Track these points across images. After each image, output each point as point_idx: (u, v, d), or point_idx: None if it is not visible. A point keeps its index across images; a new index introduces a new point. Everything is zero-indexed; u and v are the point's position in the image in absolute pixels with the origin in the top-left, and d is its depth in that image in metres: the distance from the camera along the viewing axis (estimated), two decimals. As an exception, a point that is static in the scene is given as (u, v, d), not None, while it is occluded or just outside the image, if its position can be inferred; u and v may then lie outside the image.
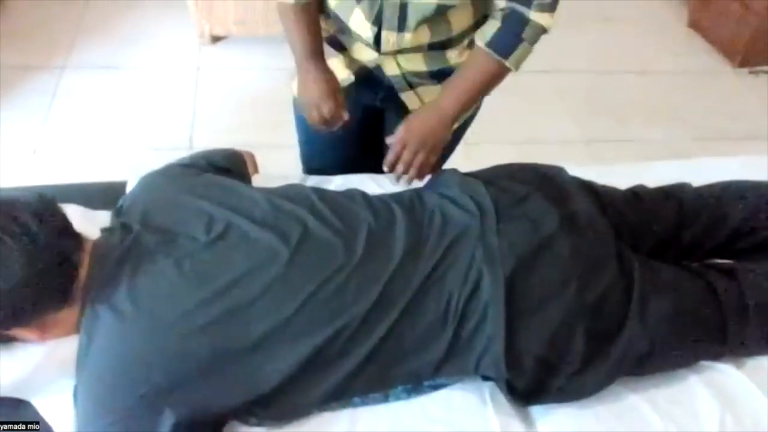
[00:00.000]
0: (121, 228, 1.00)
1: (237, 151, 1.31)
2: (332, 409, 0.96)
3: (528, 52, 1.09)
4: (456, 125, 1.20)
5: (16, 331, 0.90)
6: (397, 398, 0.97)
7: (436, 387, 0.99)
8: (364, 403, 0.97)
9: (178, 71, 2.60)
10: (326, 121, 1.22)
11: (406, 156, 1.14)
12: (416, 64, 1.17)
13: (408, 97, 1.24)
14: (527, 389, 0.96)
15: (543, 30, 1.07)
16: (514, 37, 1.07)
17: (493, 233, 1.00)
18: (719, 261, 1.17)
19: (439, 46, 1.14)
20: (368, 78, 1.24)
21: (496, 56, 1.08)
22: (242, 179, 1.21)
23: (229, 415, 0.91)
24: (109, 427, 0.85)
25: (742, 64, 2.79)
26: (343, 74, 1.25)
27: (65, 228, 0.93)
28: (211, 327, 0.89)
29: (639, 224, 1.14)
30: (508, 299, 0.94)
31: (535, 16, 1.05)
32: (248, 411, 0.91)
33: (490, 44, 1.09)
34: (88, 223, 1.07)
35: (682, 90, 2.71)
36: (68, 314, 0.91)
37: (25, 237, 0.86)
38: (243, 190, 1.08)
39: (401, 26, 1.08)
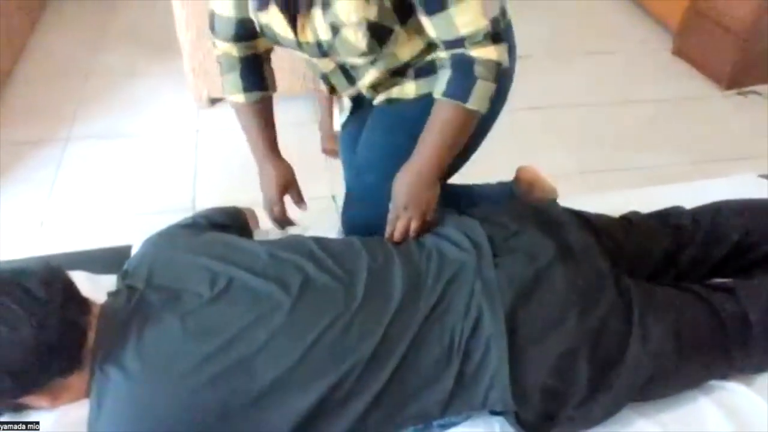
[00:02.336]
0: (126, 289, 1.02)
1: (237, 208, 1.35)
2: (344, 455, 0.96)
3: (488, 88, 1.08)
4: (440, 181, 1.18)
5: (27, 399, 0.91)
6: (408, 440, 0.98)
7: (445, 426, 0.99)
8: (375, 449, 0.97)
9: (178, 135, 2.67)
10: (276, 220, 1.34)
11: (400, 226, 1.14)
12: (387, 86, 1.25)
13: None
14: (536, 421, 0.96)
15: (495, 63, 1.06)
16: (467, 79, 1.07)
17: (491, 268, 1.01)
18: (718, 280, 1.18)
19: (397, 72, 1.21)
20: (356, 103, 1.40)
21: (454, 102, 1.08)
22: (242, 234, 1.24)
23: None
24: None
25: (730, 86, 2.84)
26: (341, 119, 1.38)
27: (72, 294, 0.96)
28: (217, 380, 0.90)
29: (635, 250, 1.16)
30: (509, 332, 0.95)
31: (478, 52, 1.05)
32: None
33: (447, 93, 1.09)
34: (95, 287, 1.10)
35: (672, 116, 2.75)
36: (78, 379, 0.93)
37: (34, 305, 0.88)
38: (243, 245, 1.11)
39: (350, 81, 1.21)
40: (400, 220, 1.14)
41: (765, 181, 1.50)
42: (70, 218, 2.27)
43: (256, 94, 1.28)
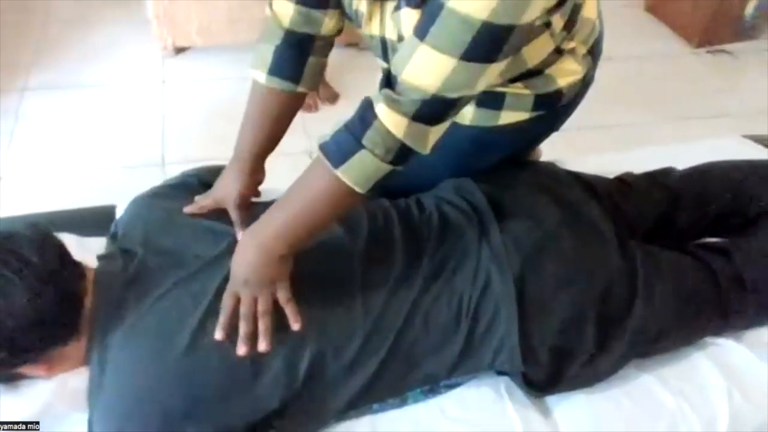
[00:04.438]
0: (121, 253, 0.97)
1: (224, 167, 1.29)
2: (351, 417, 0.95)
3: (373, 165, 0.79)
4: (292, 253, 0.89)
5: (24, 369, 0.87)
6: (415, 401, 0.98)
7: (451, 386, 1.00)
8: (382, 409, 0.97)
9: (143, 86, 2.55)
10: (202, 209, 1.05)
11: (245, 306, 0.87)
12: None
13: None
14: (543, 380, 0.97)
15: (393, 138, 0.78)
16: (352, 140, 0.80)
17: (496, 232, 1.00)
18: (711, 240, 1.20)
19: None
20: None
21: (324, 160, 0.82)
22: None
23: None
24: None
25: (701, 44, 2.87)
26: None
27: (66, 258, 0.90)
28: (222, 343, 0.88)
29: (632, 211, 1.16)
30: (519, 295, 0.94)
31: (381, 110, 0.78)
32: (268, 425, 0.90)
33: (324, 144, 0.82)
34: (82, 251, 1.04)
35: (645, 74, 2.77)
36: (75, 347, 0.89)
37: (27, 271, 0.83)
38: None
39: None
40: (242, 297, 0.87)
41: (749, 141, 1.52)
42: (31, 173, 2.15)
43: (282, 83, 1.03)
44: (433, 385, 0.98)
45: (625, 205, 1.16)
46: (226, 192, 1.06)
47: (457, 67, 0.74)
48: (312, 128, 2.27)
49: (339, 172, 0.81)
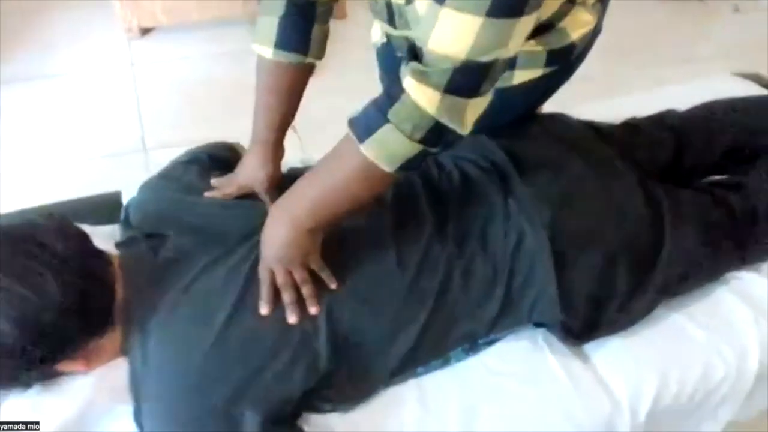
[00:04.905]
0: (144, 237, 0.94)
1: (229, 143, 1.26)
2: (397, 383, 0.95)
3: (399, 143, 0.77)
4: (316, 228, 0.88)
5: (62, 365, 0.84)
6: (458, 360, 0.97)
7: (490, 343, 1.00)
8: (426, 371, 0.96)
9: (112, 71, 2.47)
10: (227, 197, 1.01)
11: (282, 281, 0.86)
12: None
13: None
14: (580, 329, 0.98)
15: (423, 113, 0.74)
16: (378, 113, 0.77)
17: (521, 186, 1.00)
18: (719, 177, 1.22)
19: None
20: None
21: (352, 135, 0.80)
22: None
23: (303, 406, 0.89)
24: (184, 429, 0.81)
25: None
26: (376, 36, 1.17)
27: (91, 247, 0.87)
28: (263, 317, 0.86)
29: (644, 154, 1.17)
30: (552, 246, 0.94)
31: (409, 83, 0.74)
32: (321, 398, 0.89)
33: (352, 119, 0.80)
34: (97, 240, 1.00)
35: (616, 25, 2.77)
36: (111, 338, 0.87)
37: (56, 262, 0.80)
38: None
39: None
40: (276, 271, 0.87)
41: (739, 78, 1.55)
42: (6, 169, 2.07)
43: (290, 56, 0.99)
44: (473, 343, 0.98)
45: (637, 149, 1.17)
46: (253, 177, 1.03)
47: (485, 25, 0.70)
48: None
49: (363, 147, 0.78)
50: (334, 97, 1.79)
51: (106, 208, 1.17)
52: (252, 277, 0.88)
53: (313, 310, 0.87)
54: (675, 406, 0.98)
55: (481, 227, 0.97)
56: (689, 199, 1.08)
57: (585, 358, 1.00)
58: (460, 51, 0.71)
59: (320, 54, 1.04)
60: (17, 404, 0.84)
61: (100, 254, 0.88)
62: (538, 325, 1.00)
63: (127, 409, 0.86)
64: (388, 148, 0.78)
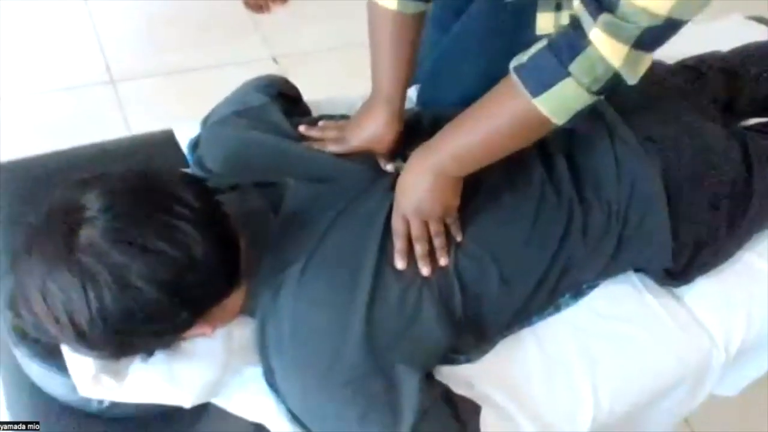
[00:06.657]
0: (254, 187, 0.86)
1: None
2: (514, 332, 0.94)
3: (576, 96, 0.73)
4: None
5: (194, 328, 0.75)
6: (567, 306, 0.97)
7: (591, 287, 1.00)
8: (540, 319, 0.96)
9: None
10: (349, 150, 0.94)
11: (417, 232, 0.83)
12: None
13: None
14: (678, 271, 1.00)
15: (607, 66, 0.71)
16: (557, 66, 0.73)
17: (628, 131, 0.98)
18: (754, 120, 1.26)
19: None
20: None
21: (520, 87, 0.76)
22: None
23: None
24: (343, 389, 0.76)
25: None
26: None
27: (214, 198, 0.77)
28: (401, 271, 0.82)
29: (707, 98, 1.18)
30: (666, 192, 0.94)
31: (596, 36, 0.70)
32: (454, 350, 0.87)
33: (521, 68, 0.76)
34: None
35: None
36: (236, 296, 0.78)
37: (198, 218, 0.70)
38: None
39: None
40: (412, 221, 0.84)
41: (752, 21, 1.59)
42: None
43: (417, 5, 0.91)
44: (579, 288, 0.98)
45: (700, 91, 1.18)
46: (380, 136, 0.93)
47: None
48: (268, 30, 2.09)
49: (537, 101, 0.74)
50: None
51: (164, 146, 1.05)
52: (387, 230, 0.83)
53: (443, 261, 0.84)
54: (759, 341, 1.04)
55: (594, 172, 0.96)
56: (759, 141, 1.11)
57: (678, 297, 1.04)
58: (661, 7, 0.67)
59: None
60: (146, 376, 0.75)
61: (220, 206, 0.78)
62: (637, 269, 1.02)
63: (254, 371, 0.80)
64: (565, 102, 0.74)
